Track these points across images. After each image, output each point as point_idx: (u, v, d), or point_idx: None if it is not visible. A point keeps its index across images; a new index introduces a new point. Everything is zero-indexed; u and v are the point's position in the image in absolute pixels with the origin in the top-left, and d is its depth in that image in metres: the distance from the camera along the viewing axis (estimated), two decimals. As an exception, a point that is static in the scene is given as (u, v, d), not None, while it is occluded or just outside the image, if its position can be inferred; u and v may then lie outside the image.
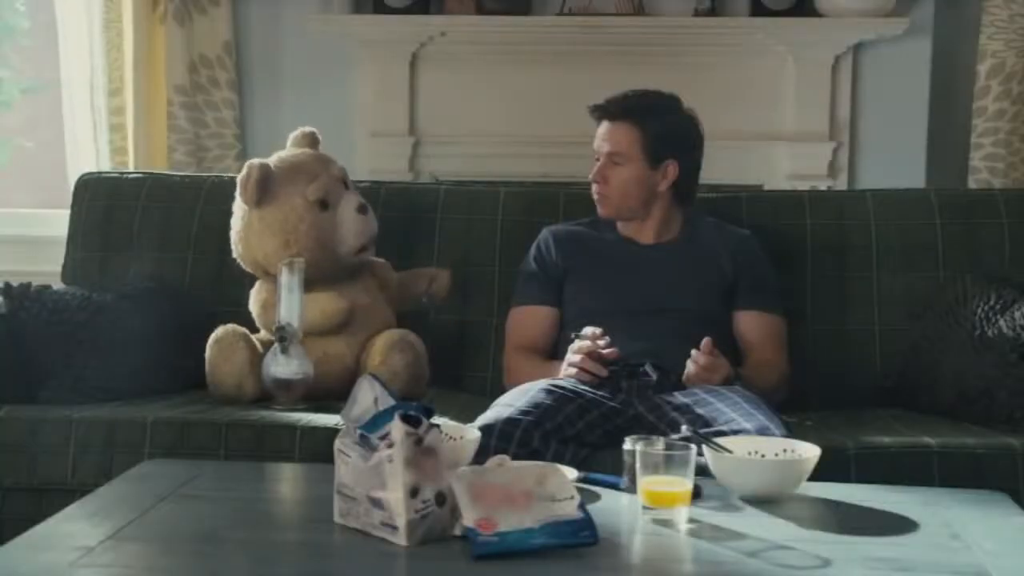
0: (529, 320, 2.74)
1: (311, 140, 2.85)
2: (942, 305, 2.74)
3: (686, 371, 2.44)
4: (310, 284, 2.57)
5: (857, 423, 2.53)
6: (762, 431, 2.19)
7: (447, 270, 2.88)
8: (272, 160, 2.75)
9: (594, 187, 2.72)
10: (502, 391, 2.52)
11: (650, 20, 3.85)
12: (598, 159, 2.71)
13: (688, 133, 2.73)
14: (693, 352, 2.42)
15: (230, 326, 2.64)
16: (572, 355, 2.49)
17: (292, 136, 2.87)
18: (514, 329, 2.76)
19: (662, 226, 2.74)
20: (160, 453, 2.35)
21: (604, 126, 2.70)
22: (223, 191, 2.88)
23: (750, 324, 2.68)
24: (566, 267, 2.74)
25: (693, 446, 1.82)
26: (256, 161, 2.70)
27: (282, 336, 2.52)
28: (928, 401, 2.65)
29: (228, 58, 3.85)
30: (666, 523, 1.77)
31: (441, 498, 1.65)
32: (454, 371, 2.88)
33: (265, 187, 2.68)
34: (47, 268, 3.19)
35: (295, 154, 2.80)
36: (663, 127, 2.68)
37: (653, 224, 2.74)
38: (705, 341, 2.41)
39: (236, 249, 2.77)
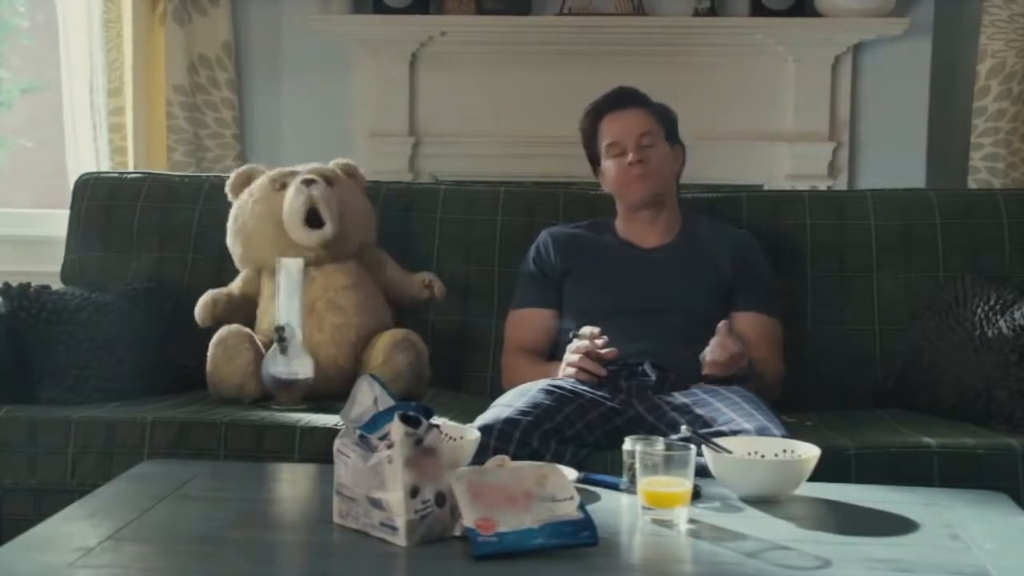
0: (528, 323, 2.74)
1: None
2: (942, 305, 2.74)
3: (709, 357, 2.40)
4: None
5: (857, 423, 2.53)
6: (762, 431, 2.19)
7: (432, 274, 2.88)
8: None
9: (632, 171, 2.66)
10: (502, 391, 2.52)
11: (650, 20, 3.85)
12: (621, 153, 2.69)
13: (676, 121, 2.79)
14: (715, 340, 2.39)
15: (234, 326, 2.64)
16: (571, 355, 2.48)
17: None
18: (513, 332, 2.76)
19: (664, 227, 2.74)
20: (160, 453, 2.35)
21: (619, 116, 2.70)
22: (223, 191, 2.88)
23: (746, 325, 2.67)
24: (565, 269, 2.73)
25: (693, 446, 1.82)
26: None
27: (281, 336, 2.51)
28: (928, 401, 2.65)
29: (228, 58, 3.85)
30: (666, 523, 1.77)
31: (441, 498, 1.65)
32: (454, 371, 2.88)
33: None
34: (47, 268, 3.19)
35: None
36: (664, 111, 2.75)
37: (661, 223, 2.73)
38: (722, 324, 2.40)
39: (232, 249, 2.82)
